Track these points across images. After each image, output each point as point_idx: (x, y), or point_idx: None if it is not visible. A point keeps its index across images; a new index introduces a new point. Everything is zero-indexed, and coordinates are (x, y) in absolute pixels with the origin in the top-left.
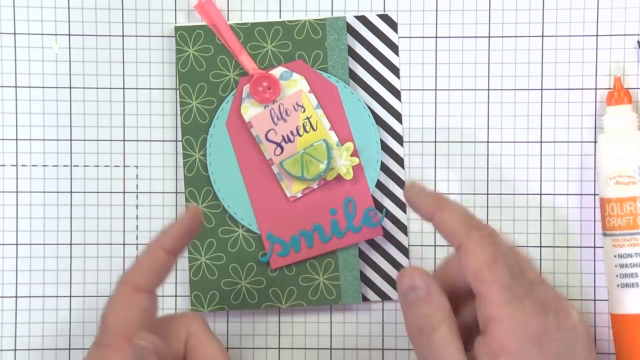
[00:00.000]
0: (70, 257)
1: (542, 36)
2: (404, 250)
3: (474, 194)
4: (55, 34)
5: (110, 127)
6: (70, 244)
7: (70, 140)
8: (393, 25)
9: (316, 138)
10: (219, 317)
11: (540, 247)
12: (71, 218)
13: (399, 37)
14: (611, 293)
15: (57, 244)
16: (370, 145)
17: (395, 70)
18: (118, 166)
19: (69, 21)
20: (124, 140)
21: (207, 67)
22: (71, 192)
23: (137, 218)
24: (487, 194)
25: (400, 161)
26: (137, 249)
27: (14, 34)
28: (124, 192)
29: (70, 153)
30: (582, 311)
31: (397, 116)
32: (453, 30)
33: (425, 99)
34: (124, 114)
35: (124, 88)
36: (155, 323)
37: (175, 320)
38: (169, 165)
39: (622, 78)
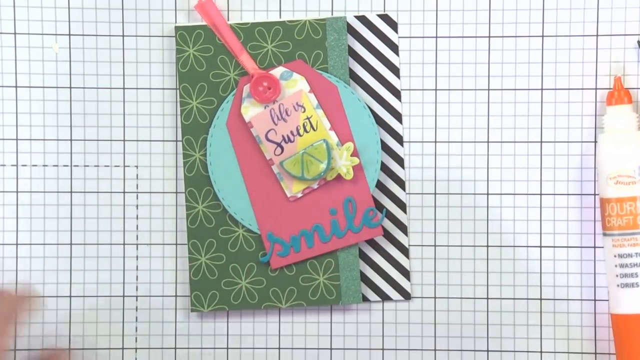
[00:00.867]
0: (70, 257)
1: (542, 36)
2: (404, 250)
3: (474, 194)
4: (56, 34)
5: (110, 127)
6: (70, 244)
7: (71, 140)
8: (393, 25)
9: (316, 138)
10: (219, 317)
11: (540, 247)
12: (71, 218)
13: (399, 37)
14: (611, 293)
15: (57, 244)
16: (370, 145)
17: (395, 70)
18: (118, 166)
19: (69, 21)
20: (124, 140)
21: (207, 67)
22: (71, 192)
23: (137, 218)
24: (487, 194)
25: (400, 161)
26: (137, 249)
27: (14, 33)
28: (124, 192)
29: (70, 153)
30: (582, 311)
31: (397, 116)
32: (453, 30)
33: (425, 99)
34: (124, 114)
35: (124, 88)
36: None
37: None
38: (169, 165)
39: (622, 78)
